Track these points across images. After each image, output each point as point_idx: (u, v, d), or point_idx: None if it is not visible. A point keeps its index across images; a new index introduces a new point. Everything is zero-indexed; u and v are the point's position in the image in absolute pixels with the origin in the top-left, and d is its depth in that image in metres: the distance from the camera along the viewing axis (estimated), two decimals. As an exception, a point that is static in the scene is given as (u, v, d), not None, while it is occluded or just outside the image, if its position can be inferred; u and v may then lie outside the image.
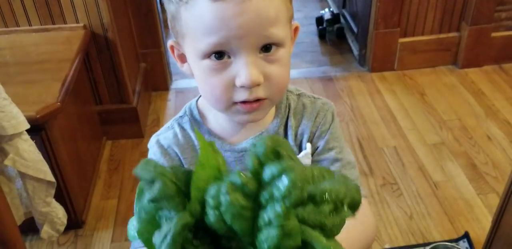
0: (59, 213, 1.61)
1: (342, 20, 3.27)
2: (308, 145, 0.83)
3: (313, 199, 0.42)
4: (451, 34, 2.76)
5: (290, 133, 0.83)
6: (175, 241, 0.40)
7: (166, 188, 0.42)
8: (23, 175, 1.47)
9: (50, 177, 1.50)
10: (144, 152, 2.33)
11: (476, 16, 2.65)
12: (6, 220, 1.38)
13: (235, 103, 0.73)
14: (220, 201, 0.40)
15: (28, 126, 1.38)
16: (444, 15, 2.70)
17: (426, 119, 2.44)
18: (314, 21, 3.34)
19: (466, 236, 1.81)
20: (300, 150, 0.84)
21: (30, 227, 1.67)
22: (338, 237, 0.72)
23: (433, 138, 2.31)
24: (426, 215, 1.93)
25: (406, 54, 2.78)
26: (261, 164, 0.42)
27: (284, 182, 0.40)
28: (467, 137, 2.31)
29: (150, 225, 0.43)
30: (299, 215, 0.42)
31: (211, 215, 0.41)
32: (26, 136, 1.42)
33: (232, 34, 0.68)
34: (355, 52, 2.98)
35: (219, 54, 0.71)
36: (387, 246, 1.81)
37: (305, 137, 0.83)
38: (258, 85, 0.71)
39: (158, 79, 2.77)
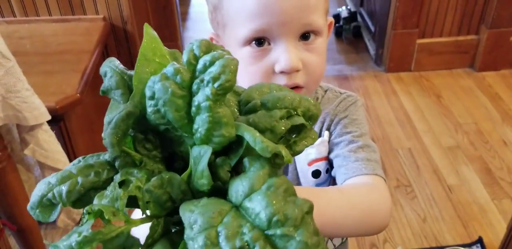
0: (76, 204, 1.61)
1: (359, 18, 3.25)
2: (326, 133, 0.82)
3: (265, 106, 0.42)
4: (469, 37, 2.74)
5: None
6: (118, 126, 0.40)
7: (113, 79, 0.44)
8: (41, 165, 1.47)
9: (68, 168, 1.50)
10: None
11: (496, 19, 2.63)
12: (25, 209, 1.38)
13: None
14: (154, 89, 0.39)
15: (49, 117, 1.38)
16: (463, 18, 2.68)
17: (442, 121, 2.42)
18: (331, 19, 3.33)
19: (479, 241, 1.80)
20: (319, 137, 0.83)
21: (45, 217, 1.67)
22: (343, 198, 0.68)
23: (448, 141, 2.30)
24: (439, 218, 1.92)
25: (423, 56, 2.77)
26: (195, 57, 0.41)
27: (216, 67, 0.39)
28: (482, 141, 2.30)
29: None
30: (250, 119, 0.41)
31: (148, 106, 0.40)
32: (47, 127, 1.42)
33: (274, 20, 0.70)
34: (372, 51, 2.97)
35: (260, 40, 0.72)
36: (399, 248, 1.81)
37: (324, 125, 0.83)
38: (297, 71, 0.72)
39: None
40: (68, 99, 1.64)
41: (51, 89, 1.68)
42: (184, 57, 0.41)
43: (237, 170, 0.40)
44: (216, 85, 0.38)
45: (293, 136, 0.44)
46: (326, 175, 0.83)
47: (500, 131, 2.35)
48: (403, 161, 2.20)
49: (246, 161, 0.39)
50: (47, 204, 0.41)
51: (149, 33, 0.44)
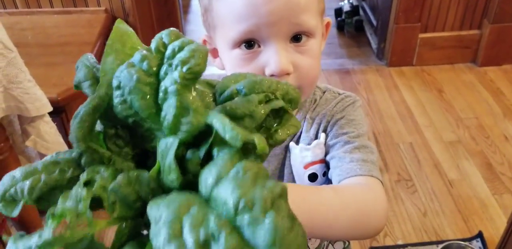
0: (77, 196, 1.61)
1: (361, 12, 3.24)
2: (322, 135, 0.80)
3: (242, 92, 0.40)
4: (471, 32, 2.74)
5: (305, 124, 0.82)
6: (84, 120, 0.38)
7: (82, 72, 0.43)
8: (43, 156, 1.47)
9: (70, 160, 1.50)
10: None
11: (499, 14, 2.62)
12: (26, 201, 1.39)
13: None
14: (120, 79, 0.37)
15: (51, 108, 1.37)
16: (466, 12, 2.67)
17: (443, 116, 2.42)
18: (332, 13, 3.32)
19: (479, 235, 1.81)
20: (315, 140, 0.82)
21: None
22: (335, 194, 0.65)
23: (449, 136, 2.30)
24: (440, 212, 1.93)
25: (425, 50, 2.76)
26: (164, 45, 0.38)
27: (185, 51, 0.37)
28: (484, 136, 2.30)
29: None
30: (227, 107, 0.39)
31: (114, 97, 0.38)
32: (48, 118, 1.42)
33: (262, 21, 0.68)
34: (374, 45, 2.96)
35: (249, 42, 0.71)
36: (400, 242, 1.81)
37: (321, 127, 0.81)
38: (288, 74, 0.71)
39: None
40: (69, 91, 1.64)
41: (53, 81, 1.68)
42: (153, 44, 0.39)
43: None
44: (185, 68, 0.36)
45: (275, 125, 0.41)
46: (323, 178, 0.81)
47: (502, 126, 2.35)
48: (404, 155, 2.20)
49: (215, 150, 0.36)
50: (9, 199, 0.39)
51: (120, 27, 0.42)
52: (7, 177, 0.39)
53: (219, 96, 0.41)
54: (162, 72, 0.37)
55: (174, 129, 0.36)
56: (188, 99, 0.36)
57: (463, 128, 2.35)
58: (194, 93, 0.37)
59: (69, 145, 1.58)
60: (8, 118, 1.40)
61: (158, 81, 0.37)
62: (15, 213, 0.38)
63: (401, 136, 2.31)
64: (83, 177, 0.37)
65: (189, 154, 0.37)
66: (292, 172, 0.82)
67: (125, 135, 0.41)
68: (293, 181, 0.82)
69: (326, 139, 0.80)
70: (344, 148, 0.76)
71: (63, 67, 1.77)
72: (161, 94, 0.37)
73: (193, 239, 0.30)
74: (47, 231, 0.34)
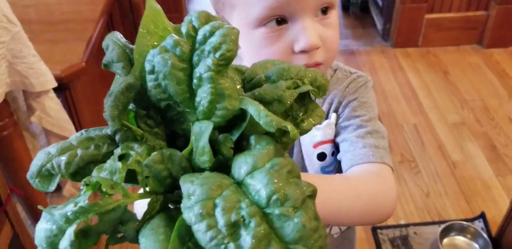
0: (81, 173, 1.61)
1: (367, -7, 3.21)
2: (333, 115, 0.79)
3: (270, 79, 0.41)
4: (478, 13, 2.71)
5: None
6: (118, 98, 0.39)
7: (115, 52, 0.42)
8: (47, 133, 1.47)
9: (74, 136, 1.50)
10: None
11: (507, -5, 2.59)
12: (31, 176, 1.39)
13: None
14: (153, 62, 0.38)
15: (55, 84, 1.37)
16: (473, -7, 2.65)
17: (448, 98, 2.41)
18: (338, -7, 3.28)
19: (482, 216, 1.81)
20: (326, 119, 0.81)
21: (50, 185, 1.68)
22: (344, 185, 0.66)
23: (454, 118, 2.29)
24: (443, 193, 1.93)
25: (431, 31, 2.74)
26: (195, 29, 0.39)
27: (216, 36, 0.37)
28: (488, 118, 2.29)
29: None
30: (256, 93, 0.40)
31: (148, 81, 0.39)
32: (53, 94, 1.41)
33: None
34: (379, 26, 2.93)
35: (276, 19, 0.68)
36: (402, 222, 1.82)
37: (332, 107, 0.80)
38: (317, 48, 0.69)
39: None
40: (73, 67, 1.62)
41: (56, 58, 1.66)
42: (183, 29, 0.39)
43: (241, 147, 0.39)
44: (217, 55, 0.37)
45: (301, 114, 0.42)
46: (331, 158, 0.81)
47: (506, 108, 2.34)
48: (408, 136, 2.19)
49: (252, 138, 0.38)
50: (45, 174, 0.40)
51: (152, 6, 0.42)
52: (42, 153, 0.40)
53: (248, 82, 0.42)
54: (195, 58, 0.38)
55: (209, 114, 0.38)
56: (222, 85, 0.37)
57: (467, 109, 2.34)
58: (227, 79, 0.37)
59: (74, 122, 1.58)
60: (12, 94, 1.39)
61: (191, 66, 0.38)
62: (52, 188, 0.39)
63: (405, 118, 2.30)
64: (118, 151, 0.38)
65: (221, 137, 0.39)
66: (301, 151, 0.82)
67: (156, 116, 0.41)
68: (302, 160, 0.82)
69: (337, 119, 0.79)
70: (357, 132, 0.76)
71: (66, 44, 1.75)
72: (195, 81, 0.38)
73: (224, 220, 0.32)
74: (83, 199, 0.35)
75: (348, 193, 0.64)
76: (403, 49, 2.77)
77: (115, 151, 0.39)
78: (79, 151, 0.39)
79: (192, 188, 0.34)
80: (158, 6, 0.43)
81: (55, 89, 1.42)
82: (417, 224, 1.81)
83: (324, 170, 0.82)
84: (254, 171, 0.35)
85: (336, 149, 0.80)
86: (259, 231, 0.32)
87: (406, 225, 1.81)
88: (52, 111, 1.40)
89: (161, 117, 0.41)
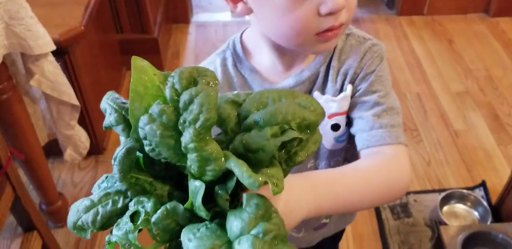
0: (82, 137, 1.61)
1: (372, -41, 3.13)
2: (349, 87, 0.78)
3: (258, 124, 0.44)
4: (486, -20, 2.65)
5: (331, 74, 0.79)
6: (122, 162, 0.44)
7: (112, 117, 0.47)
8: (47, 97, 1.46)
9: (74, 100, 1.48)
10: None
11: (516, -38, 2.53)
12: (31, 139, 1.38)
13: (316, 33, 0.68)
14: (145, 132, 0.42)
15: (54, 47, 1.34)
16: (481, -41, 2.58)
17: (452, 67, 2.38)
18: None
19: (482, 184, 1.81)
20: (341, 92, 0.80)
21: (52, 150, 1.68)
22: (355, 173, 0.69)
23: (457, 87, 2.27)
24: (444, 162, 1.93)
25: (437, -1, 2.69)
26: (177, 93, 0.43)
27: (195, 105, 0.41)
28: (492, 87, 2.27)
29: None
30: (244, 140, 0.43)
31: (145, 145, 0.43)
32: (52, 58, 1.39)
33: None
34: (384, -6, 2.88)
35: None
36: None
37: (348, 78, 0.78)
38: (343, 8, 0.67)
39: (179, 11, 2.70)
40: (72, 31, 1.60)
41: (55, 21, 1.63)
42: (167, 94, 0.43)
43: (238, 193, 0.43)
44: (197, 125, 0.40)
45: (295, 146, 0.45)
46: (345, 128, 0.81)
47: (511, 77, 2.32)
48: (410, 105, 2.18)
49: (244, 197, 0.42)
50: (79, 228, 0.47)
51: (137, 65, 0.45)
52: (73, 210, 0.48)
53: (243, 119, 0.45)
54: (179, 126, 0.42)
55: (200, 174, 0.42)
56: (207, 152, 0.41)
57: (471, 79, 2.31)
58: (211, 142, 0.41)
59: (74, 87, 1.56)
60: (10, 58, 1.37)
61: (179, 131, 0.42)
62: (88, 236, 0.48)
63: (409, 86, 2.28)
64: (131, 208, 0.45)
65: (217, 189, 0.44)
66: None
67: (160, 163, 0.46)
68: None
69: (353, 92, 0.79)
70: (373, 111, 0.76)
71: (64, 8, 1.72)
72: (183, 148, 0.42)
73: None
74: None
75: (360, 186, 0.66)
76: (408, 17, 2.72)
77: (130, 204, 0.45)
78: (100, 209, 0.46)
79: (189, 247, 0.40)
80: (144, 63, 0.45)
81: (54, 54, 1.40)
82: (417, 192, 1.82)
83: (337, 140, 0.83)
84: (241, 236, 0.39)
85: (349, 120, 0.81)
86: None
87: (406, 193, 1.81)
88: (51, 75, 1.38)
89: (166, 163, 0.46)
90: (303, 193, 0.55)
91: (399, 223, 1.72)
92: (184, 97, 0.42)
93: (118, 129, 0.47)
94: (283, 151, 0.45)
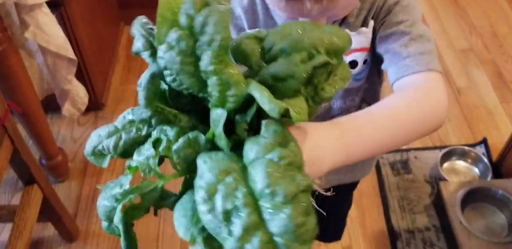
0: (80, 92, 1.59)
1: None
2: (371, 23, 0.76)
3: (284, 51, 0.42)
4: None
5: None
6: (147, 88, 0.44)
7: (140, 42, 0.46)
8: (44, 51, 1.43)
9: (71, 54, 1.46)
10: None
11: None
12: (28, 92, 1.36)
13: None
14: (165, 60, 0.42)
15: (49, -3, 1.31)
16: None
17: (457, 23, 2.33)
18: None
19: (484, 142, 1.81)
20: (363, 26, 0.77)
21: (50, 105, 1.66)
22: (382, 105, 0.65)
23: (461, 44, 2.23)
24: (445, 119, 1.91)
25: (443, -47, 2.60)
26: (192, 19, 0.41)
27: (209, 26, 0.40)
28: (497, 44, 2.23)
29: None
30: (271, 69, 0.42)
31: (165, 75, 0.43)
32: (47, 10, 1.36)
33: None
34: None
35: None
36: (403, 146, 1.82)
37: (370, 13, 0.75)
38: None
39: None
40: (68, -18, 1.55)
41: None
42: (182, 20, 0.41)
43: (258, 121, 0.42)
44: (214, 46, 0.39)
45: (322, 81, 0.43)
46: (363, 66, 0.79)
47: (516, 34, 2.27)
48: (413, 62, 2.14)
49: (262, 124, 0.41)
50: (98, 153, 0.47)
51: None
52: (94, 135, 0.47)
53: (267, 52, 0.44)
54: (198, 51, 0.41)
55: (222, 101, 0.41)
56: (227, 74, 0.40)
57: (476, 35, 2.27)
58: (231, 66, 0.40)
59: (70, 40, 1.53)
60: (5, 9, 1.33)
61: (198, 57, 0.41)
62: (105, 164, 0.48)
63: (412, 43, 2.24)
64: (154, 134, 0.44)
65: (237, 118, 0.43)
66: None
67: (187, 94, 0.45)
68: None
69: (377, 26, 0.76)
70: (400, 41, 0.72)
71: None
72: (202, 74, 0.41)
73: (221, 207, 0.36)
74: (126, 183, 0.43)
75: (391, 128, 0.61)
76: (413, -28, 2.65)
77: (153, 132, 0.45)
78: (123, 135, 0.46)
79: (203, 169, 0.39)
80: None
81: (49, 5, 1.36)
82: (418, 148, 1.81)
83: (354, 78, 0.80)
84: (256, 160, 0.39)
85: (372, 56, 0.78)
86: (249, 221, 0.35)
87: (407, 150, 1.81)
88: (47, 27, 1.35)
89: (191, 95, 0.45)
90: (330, 141, 0.52)
91: (399, 179, 1.73)
92: (198, 19, 0.40)
93: (145, 55, 0.46)
94: (310, 87, 0.43)
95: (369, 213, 1.64)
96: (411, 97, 0.66)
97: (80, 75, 1.70)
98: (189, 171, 0.43)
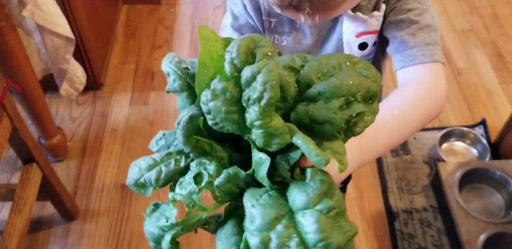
0: (78, 72, 1.58)
1: None
2: (383, 6, 0.77)
3: (323, 95, 0.44)
4: None
5: None
6: (185, 127, 0.46)
7: (177, 84, 0.48)
8: (41, 30, 1.41)
9: (69, 32, 1.44)
10: (161, 19, 2.26)
11: None
12: (26, 71, 1.35)
13: None
14: (208, 107, 0.43)
15: (46, -25, 1.29)
16: None
17: (458, 3, 2.31)
18: None
19: (482, 123, 1.81)
20: (375, 10, 0.78)
21: (48, 85, 1.65)
22: (393, 103, 0.68)
23: (462, 24, 2.22)
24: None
25: None
26: (237, 68, 0.43)
27: (258, 83, 0.41)
28: (497, 25, 2.21)
29: (183, 104, 0.52)
30: (309, 112, 0.44)
31: (208, 120, 0.45)
32: (44, -13, 1.34)
33: None
34: None
35: None
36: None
37: None
38: None
39: None
40: (65, -41, 1.53)
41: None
42: (227, 70, 0.43)
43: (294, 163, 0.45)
44: (262, 104, 0.41)
45: (354, 117, 0.46)
46: (372, 48, 0.81)
47: (517, 15, 2.26)
48: (413, 43, 2.13)
49: (308, 171, 0.43)
50: (141, 185, 0.50)
51: (204, 36, 0.46)
52: (134, 168, 0.50)
53: (303, 87, 0.46)
54: (244, 104, 0.43)
55: (266, 146, 0.44)
56: (273, 128, 0.42)
57: (477, 16, 2.25)
58: (276, 118, 0.42)
59: (68, 19, 1.51)
60: (1, -14, 1.32)
61: (242, 106, 0.43)
62: (148, 194, 0.50)
63: (412, 23, 2.22)
64: (194, 170, 0.47)
65: (279, 159, 0.46)
66: (341, 39, 0.81)
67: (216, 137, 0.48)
68: (341, 48, 0.82)
69: (387, 11, 0.77)
70: (408, 30, 0.75)
71: None
72: (248, 124, 0.43)
73: None
74: (172, 217, 0.46)
75: (399, 128, 0.66)
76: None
77: (191, 164, 0.48)
78: (163, 168, 0.49)
79: (253, 213, 0.42)
80: (209, 31, 0.46)
81: (46, -17, 1.35)
82: (417, 129, 1.81)
83: (364, 59, 0.82)
84: (306, 209, 0.41)
85: (380, 39, 0.80)
86: None
87: (406, 131, 1.81)
88: (45, 6, 1.33)
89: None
90: (351, 153, 0.55)
91: (398, 160, 1.73)
92: (246, 73, 0.42)
93: (183, 96, 0.49)
94: (344, 124, 0.46)
95: (367, 193, 1.65)
96: (417, 94, 0.70)
97: (78, 55, 1.68)
98: (229, 200, 0.48)
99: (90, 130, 1.82)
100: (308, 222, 0.40)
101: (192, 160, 0.49)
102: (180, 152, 0.50)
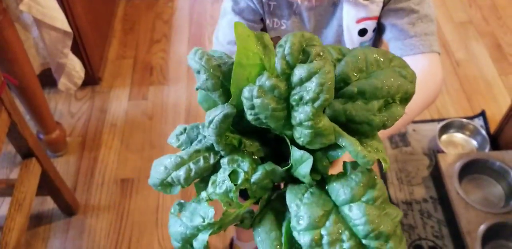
0: (76, 66, 1.58)
1: None
2: None
3: (363, 95, 0.44)
4: None
5: None
6: (218, 126, 0.45)
7: (209, 83, 0.47)
8: (39, 24, 1.41)
9: (66, 26, 1.44)
10: (159, 14, 2.25)
11: None
12: (24, 65, 1.35)
13: None
14: (253, 103, 0.43)
15: (43, -32, 1.28)
16: None
17: (456, -5, 2.31)
18: None
19: (482, 114, 1.81)
20: None
21: (47, 80, 1.65)
22: None
23: (461, 16, 2.21)
24: (444, 92, 1.91)
25: None
26: (289, 65, 0.43)
27: (313, 83, 0.41)
28: (496, 16, 2.21)
29: (207, 97, 0.51)
30: (348, 111, 0.45)
31: (248, 114, 0.44)
32: (41, -19, 1.33)
33: None
34: None
35: None
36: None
37: None
38: None
39: None
40: (62, -47, 1.52)
41: None
42: (278, 65, 0.43)
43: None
44: (315, 105, 0.41)
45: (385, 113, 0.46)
46: (372, 34, 0.83)
47: (516, 6, 2.25)
48: (412, 35, 2.12)
49: (348, 165, 0.44)
50: (167, 184, 0.48)
51: (240, 34, 0.45)
52: (159, 167, 0.48)
53: (338, 83, 0.46)
54: (293, 103, 0.42)
55: (308, 145, 0.44)
56: (321, 128, 0.42)
57: (475, 8, 2.25)
58: (324, 119, 0.42)
59: (66, 13, 1.50)
60: (-2, -20, 1.31)
61: (288, 103, 0.43)
62: (175, 192, 0.48)
63: (411, 15, 2.21)
64: (224, 166, 0.47)
65: (319, 155, 0.46)
66: (341, 25, 0.82)
67: (247, 121, 0.47)
68: (341, 34, 0.83)
69: None
70: (408, 19, 0.77)
71: None
72: (294, 122, 0.43)
73: None
74: (210, 215, 0.45)
75: (404, 116, 0.71)
76: None
77: (222, 161, 0.47)
78: (192, 166, 0.47)
79: (299, 213, 0.42)
80: (242, 27, 0.45)
81: (43, -24, 1.34)
82: (416, 121, 1.81)
83: (362, 45, 0.84)
84: (351, 202, 0.42)
85: (378, 25, 0.82)
86: None
87: (405, 123, 1.81)
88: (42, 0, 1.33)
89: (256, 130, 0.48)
90: None
91: (397, 152, 1.73)
92: (301, 73, 0.42)
93: (215, 95, 0.48)
94: None
95: (367, 185, 1.65)
96: (418, 82, 0.73)
97: (76, 50, 1.68)
98: (263, 195, 0.48)
99: (89, 125, 1.82)
100: (356, 215, 0.41)
101: (221, 157, 0.48)
102: (208, 149, 0.49)
